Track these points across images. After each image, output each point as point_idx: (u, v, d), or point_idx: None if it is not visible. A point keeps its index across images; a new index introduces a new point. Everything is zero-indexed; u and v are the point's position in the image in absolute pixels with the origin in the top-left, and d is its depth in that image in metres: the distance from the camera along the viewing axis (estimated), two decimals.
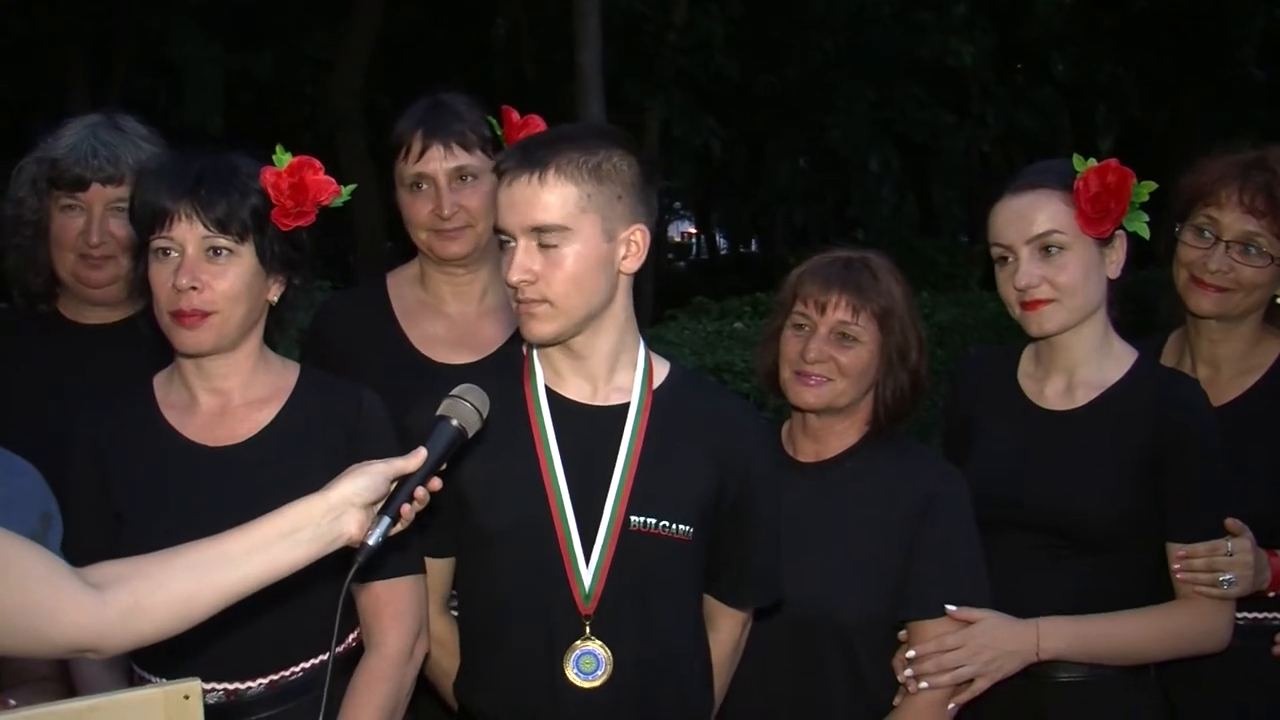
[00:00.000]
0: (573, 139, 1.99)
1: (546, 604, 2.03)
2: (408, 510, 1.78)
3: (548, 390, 2.08)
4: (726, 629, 2.19)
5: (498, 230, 2.01)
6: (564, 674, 2.02)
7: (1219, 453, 2.29)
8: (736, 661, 2.23)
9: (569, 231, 1.94)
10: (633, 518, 2.03)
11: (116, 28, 11.12)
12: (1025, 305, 2.32)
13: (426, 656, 2.17)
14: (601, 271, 1.99)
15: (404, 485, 1.78)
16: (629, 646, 2.03)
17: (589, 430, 2.05)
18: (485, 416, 1.87)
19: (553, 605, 2.02)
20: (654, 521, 2.03)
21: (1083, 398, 2.36)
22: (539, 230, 1.95)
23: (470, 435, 1.86)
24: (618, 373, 2.08)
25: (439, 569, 2.17)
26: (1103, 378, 2.35)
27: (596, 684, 2.02)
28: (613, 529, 2.02)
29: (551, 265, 1.95)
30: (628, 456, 2.04)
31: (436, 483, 1.80)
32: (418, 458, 1.78)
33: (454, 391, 1.86)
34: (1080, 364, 2.37)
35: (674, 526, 2.04)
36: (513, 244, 1.98)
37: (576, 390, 2.08)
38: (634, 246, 2.01)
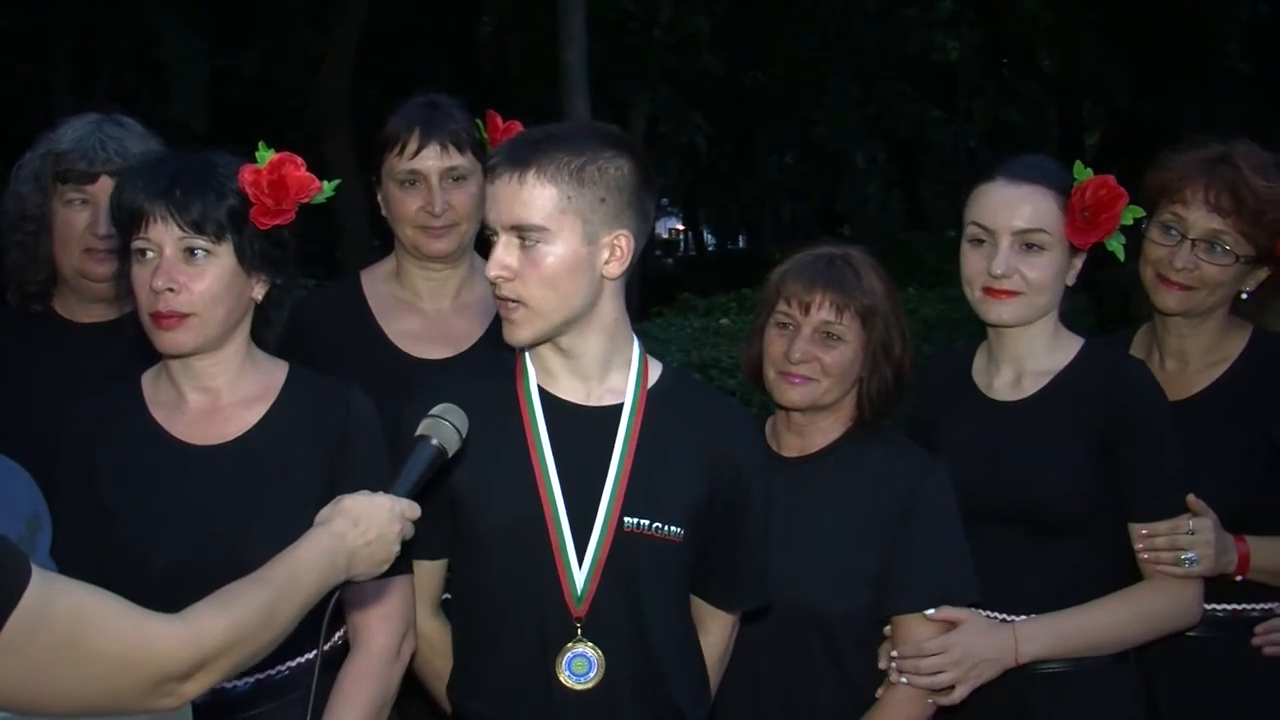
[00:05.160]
0: (562, 140, 1.98)
1: (538, 606, 2.02)
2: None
3: (540, 390, 2.07)
4: (716, 631, 2.19)
5: (484, 225, 2.01)
6: (556, 676, 2.01)
7: (1172, 430, 2.30)
8: (725, 664, 2.23)
9: (548, 232, 1.94)
10: (626, 519, 2.02)
11: (102, 25, 11.06)
12: (990, 290, 2.32)
13: (413, 656, 2.17)
14: (580, 275, 1.97)
15: None
16: (621, 648, 2.02)
17: (582, 431, 2.05)
18: (464, 436, 1.86)
19: (545, 607, 2.02)
20: (647, 523, 2.03)
21: (1030, 386, 2.38)
22: (518, 228, 1.95)
23: (450, 455, 1.85)
24: (611, 373, 2.07)
25: (431, 571, 2.17)
26: (1049, 366, 2.37)
27: (589, 686, 2.01)
28: (606, 530, 2.02)
29: (529, 264, 1.95)
30: (622, 457, 2.03)
31: (415, 509, 1.78)
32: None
33: (434, 411, 1.85)
34: (1028, 356, 2.39)
35: (666, 528, 2.03)
36: (496, 238, 1.98)
37: (570, 390, 2.07)
38: (618, 251, 1.99)
